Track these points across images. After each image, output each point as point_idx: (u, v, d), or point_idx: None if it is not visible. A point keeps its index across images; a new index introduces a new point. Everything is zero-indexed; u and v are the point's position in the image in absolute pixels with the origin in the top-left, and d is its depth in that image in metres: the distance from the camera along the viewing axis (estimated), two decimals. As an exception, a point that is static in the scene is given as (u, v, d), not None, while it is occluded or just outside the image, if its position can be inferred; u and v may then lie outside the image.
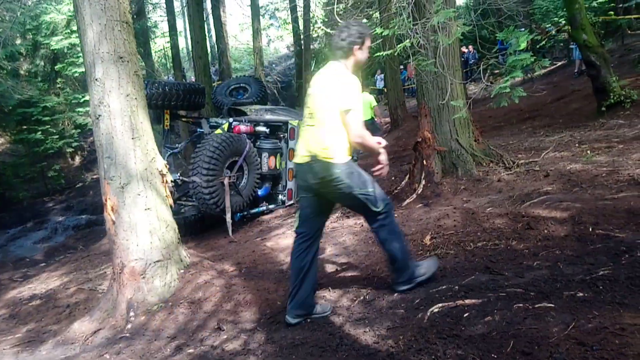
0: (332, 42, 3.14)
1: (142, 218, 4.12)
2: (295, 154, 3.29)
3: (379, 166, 3.10)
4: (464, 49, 17.05)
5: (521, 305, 2.58)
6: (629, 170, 4.59)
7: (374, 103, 12.23)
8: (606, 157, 5.29)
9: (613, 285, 2.59)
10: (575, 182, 4.66)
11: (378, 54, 5.54)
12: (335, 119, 2.98)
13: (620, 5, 14.49)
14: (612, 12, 13.30)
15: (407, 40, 4.69)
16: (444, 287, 3.14)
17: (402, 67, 18.59)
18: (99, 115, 4.04)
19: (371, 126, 11.89)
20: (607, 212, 3.65)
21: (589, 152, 5.62)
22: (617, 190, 4.16)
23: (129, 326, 3.85)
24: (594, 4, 12.96)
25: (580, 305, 2.45)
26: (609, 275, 2.71)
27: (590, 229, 3.47)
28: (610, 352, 1.98)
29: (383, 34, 4.94)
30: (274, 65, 31.31)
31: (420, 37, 4.67)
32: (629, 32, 14.35)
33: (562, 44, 16.21)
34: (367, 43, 3.13)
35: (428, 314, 2.78)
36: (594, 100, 8.26)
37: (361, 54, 3.12)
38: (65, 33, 18.49)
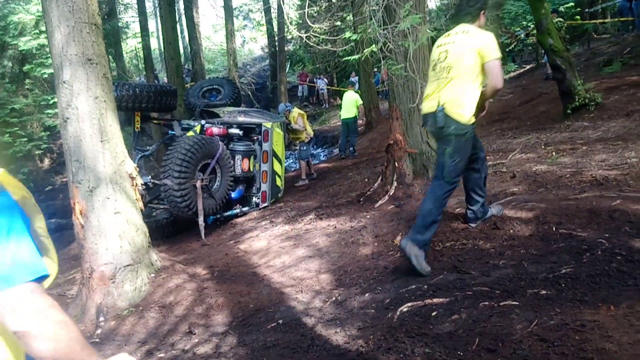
0: (461, 8, 3.58)
1: (111, 222, 4.07)
2: (422, 105, 3.70)
3: (483, 112, 3.69)
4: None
5: (487, 303, 2.65)
6: (592, 171, 4.73)
7: (360, 102, 12.35)
8: (570, 159, 5.44)
9: (575, 283, 2.68)
10: (541, 183, 4.78)
11: (347, 58, 5.59)
12: (474, 73, 3.35)
13: (587, 10, 14.90)
14: (578, 17, 13.66)
15: (373, 45, 4.75)
16: (413, 286, 3.20)
17: (375, 69, 18.73)
18: (67, 118, 3.98)
19: (353, 125, 11.99)
20: (570, 212, 3.76)
21: (554, 153, 5.76)
22: (580, 190, 4.28)
23: (99, 331, 3.80)
24: (561, 9, 13.27)
25: (543, 302, 2.53)
26: (571, 273, 2.80)
27: (554, 229, 3.56)
28: (571, 347, 2.05)
29: (352, 39, 4.99)
30: (248, 67, 31.14)
31: (389, 42, 4.73)
32: (595, 36, 14.76)
33: (530, 48, 16.56)
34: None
35: (397, 313, 2.83)
36: (560, 103, 8.47)
37: (484, 18, 3.58)
38: (34, 33, 18.08)
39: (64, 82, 3.97)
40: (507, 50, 14.52)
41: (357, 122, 12.55)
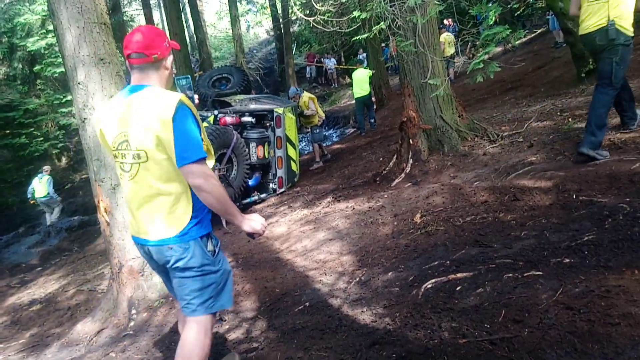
0: None
1: (136, 217, 4.15)
2: (583, 26, 4.25)
3: None
4: (445, 22, 17.01)
5: (510, 275, 2.68)
6: (609, 135, 4.68)
7: (371, 74, 12.17)
8: (587, 124, 5.38)
9: (597, 250, 2.69)
10: (559, 151, 4.75)
11: (356, 37, 5.55)
12: None
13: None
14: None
15: (382, 23, 4.71)
16: (435, 262, 3.24)
17: (384, 45, 18.53)
18: (85, 119, 4.05)
19: (369, 101, 11.87)
20: (589, 178, 3.75)
21: (570, 119, 5.70)
22: (599, 156, 4.25)
23: (132, 324, 3.91)
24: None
25: (567, 271, 2.55)
26: (593, 240, 2.81)
27: (574, 196, 3.56)
28: (597, 314, 2.08)
29: (360, 17, 4.96)
30: (254, 52, 31.01)
31: (397, 18, 4.69)
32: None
33: (540, 12, 16.22)
34: None
35: (422, 290, 2.87)
36: (573, 67, 8.33)
37: None
38: (41, 33, 18.22)
39: (78, 83, 4.02)
40: (516, 14, 14.24)
41: (372, 98, 12.42)
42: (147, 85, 2.07)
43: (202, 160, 1.96)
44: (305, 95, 9.97)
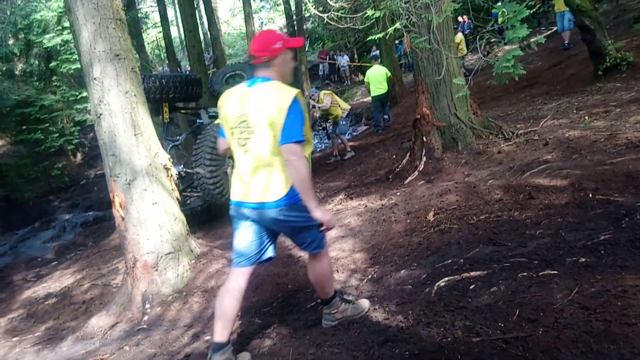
0: None
1: (150, 212, 4.19)
2: None
3: None
4: (459, 19, 16.88)
5: (525, 274, 2.65)
6: (627, 133, 4.62)
7: (389, 73, 12.02)
8: (604, 122, 5.31)
9: (614, 249, 2.66)
10: (575, 149, 4.70)
11: (371, 37, 5.53)
12: None
13: (615, -35, 14.29)
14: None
15: (398, 23, 4.69)
16: (449, 261, 3.22)
17: (397, 42, 18.44)
18: (100, 114, 4.09)
19: (386, 99, 11.73)
20: (606, 177, 3.70)
21: (587, 117, 5.63)
22: (616, 154, 4.20)
23: (146, 318, 3.95)
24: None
25: (582, 270, 2.52)
26: (610, 239, 2.78)
27: (591, 195, 3.52)
28: (613, 314, 2.05)
29: (374, 16, 4.94)
30: (268, 49, 30.98)
31: (412, 15, 4.67)
32: (624, -9, 14.18)
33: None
34: None
35: (435, 288, 2.86)
36: (590, 64, 8.23)
37: None
38: (57, 30, 18.38)
39: (94, 79, 4.06)
40: (532, 12, 14.08)
41: (389, 96, 12.27)
42: (267, 79, 2.54)
43: (299, 142, 2.41)
44: (322, 93, 9.95)
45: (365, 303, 2.95)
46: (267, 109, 2.43)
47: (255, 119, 2.48)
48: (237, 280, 2.72)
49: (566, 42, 11.98)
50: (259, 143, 2.50)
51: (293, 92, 2.46)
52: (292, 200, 2.50)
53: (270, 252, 2.75)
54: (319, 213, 2.46)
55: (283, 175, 2.49)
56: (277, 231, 2.73)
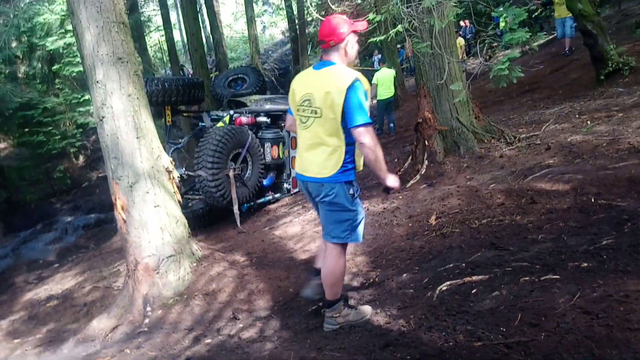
0: None
1: (152, 215, 4.20)
2: None
3: None
4: (460, 23, 16.90)
5: (527, 278, 2.65)
6: (629, 138, 4.61)
7: (396, 76, 11.83)
8: (606, 127, 5.31)
9: (616, 254, 2.65)
10: (577, 154, 4.70)
11: (372, 39, 5.55)
12: None
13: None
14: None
15: (400, 25, 4.70)
16: (451, 265, 3.21)
17: (399, 46, 18.47)
18: (103, 117, 4.10)
19: (392, 103, 11.64)
20: (608, 181, 3.70)
21: (589, 122, 5.63)
22: (618, 159, 4.19)
23: (147, 321, 3.95)
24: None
25: (584, 275, 2.52)
26: (612, 244, 2.77)
27: (593, 200, 3.52)
28: (615, 319, 2.05)
29: (375, 20, 4.95)
30: (270, 52, 31.10)
31: (414, 19, 4.68)
32: (626, -4, 14.18)
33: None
34: None
35: (437, 292, 2.85)
36: (592, 69, 8.22)
37: None
38: (60, 33, 18.43)
39: (97, 82, 4.07)
40: (534, 16, 14.07)
41: (395, 99, 12.17)
42: (332, 63, 2.73)
43: (369, 124, 2.58)
44: None
45: (367, 309, 2.96)
46: (329, 90, 2.62)
47: (318, 100, 2.68)
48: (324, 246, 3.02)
49: (567, 48, 11.94)
50: (317, 122, 2.72)
51: (353, 75, 2.62)
52: (337, 178, 2.71)
53: None
54: (390, 180, 2.72)
55: (334, 158, 2.69)
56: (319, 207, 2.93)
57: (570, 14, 10.99)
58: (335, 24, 2.72)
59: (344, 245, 2.85)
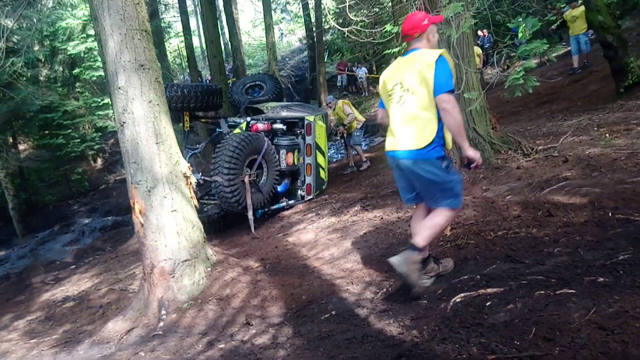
0: None
1: (169, 220, 4.25)
2: None
3: None
4: (479, 33, 16.84)
5: (542, 292, 2.63)
6: (648, 152, 4.56)
7: None
8: (625, 140, 5.25)
9: (633, 269, 2.62)
10: (595, 167, 4.65)
11: (387, 51, 5.57)
12: None
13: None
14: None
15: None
16: (465, 277, 3.20)
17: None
18: (124, 122, 4.17)
19: None
20: (626, 196, 3.66)
21: (607, 135, 5.58)
22: (637, 173, 4.14)
23: (161, 324, 3.99)
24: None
25: (601, 290, 2.49)
26: (629, 259, 2.74)
27: (610, 214, 3.48)
28: (631, 335, 2.03)
29: (393, 31, 4.97)
30: (287, 60, 31.30)
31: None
32: (647, 8, 14.03)
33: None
34: None
35: (451, 303, 2.85)
36: (612, 81, 8.14)
37: None
38: (81, 37, 18.82)
39: (119, 88, 4.15)
40: (554, 26, 13.97)
41: None
42: (417, 49, 3.12)
43: (451, 92, 2.88)
44: (340, 102, 9.99)
45: (450, 262, 3.48)
46: (418, 67, 2.98)
47: (409, 79, 3.04)
48: (417, 212, 3.48)
49: (576, 66, 11.81)
50: (411, 99, 3.05)
51: (439, 50, 3.00)
52: (428, 155, 3.02)
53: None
54: (471, 151, 2.98)
55: (428, 129, 3.01)
56: (413, 181, 3.20)
57: (584, 31, 10.95)
58: (417, 18, 3.12)
59: (449, 211, 3.13)
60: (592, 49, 11.62)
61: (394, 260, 3.15)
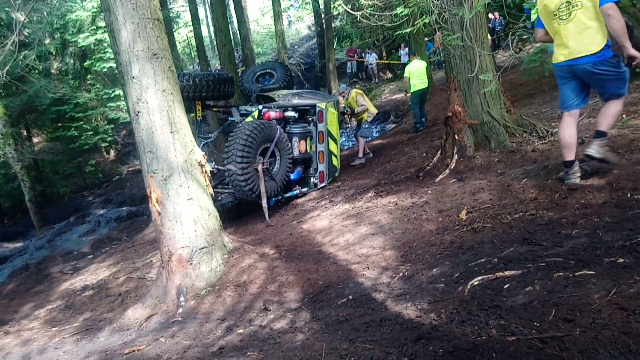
0: None
1: (185, 208, 4.29)
2: None
3: None
4: (490, 16, 16.63)
5: (561, 274, 2.62)
6: (667, 133, 4.49)
7: (428, 67, 11.58)
8: (643, 121, 5.17)
9: (654, 250, 2.60)
10: (612, 148, 4.59)
11: (399, 31, 5.52)
12: None
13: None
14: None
15: (426, 17, 4.68)
16: (482, 260, 3.20)
17: (427, 39, 18.27)
18: (138, 112, 4.20)
19: (425, 95, 11.47)
20: (645, 176, 3.61)
21: (624, 116, 5.49)
22: (655, 153, 4.09)
23: (180, 310, 4.05)
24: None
25: (620, 271, 2.48)
26: (649, 240, 2.72)
27: (629, 195, 3.45)
28: (653, 315, 2.02)
29: (403, 13, 4.92)
30: (296, 47, 31.15)
31: (444, 11, 4.64)
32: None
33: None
34: None
35: (468, 287, 2.85)
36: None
37: None
38: (91, 29, 18.88)
39: (132, 77, 4.17)
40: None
41: (429, 91, 11.98)
42: None
43: (614, 2, 3.42)
44: (354, 91, 9.91)
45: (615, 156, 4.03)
46: None
47: None
48: (569, 120, 3.98)
49: None
50: (579, 12, 3.63)
51: None
52: (604, 56, 3.60)
53: (586, 101, 4.05)
54: (633, 51, 3.49)
55: (598, 36, 3.59)
56: (588, 82, 3.81)
57: None
58: None
59: (622, 99, 3.78)
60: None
61: (590, 151, 3.80)
